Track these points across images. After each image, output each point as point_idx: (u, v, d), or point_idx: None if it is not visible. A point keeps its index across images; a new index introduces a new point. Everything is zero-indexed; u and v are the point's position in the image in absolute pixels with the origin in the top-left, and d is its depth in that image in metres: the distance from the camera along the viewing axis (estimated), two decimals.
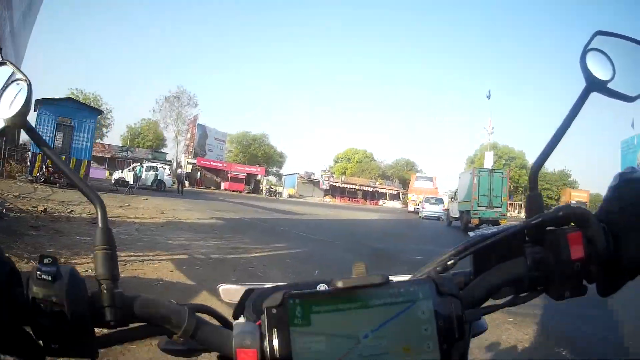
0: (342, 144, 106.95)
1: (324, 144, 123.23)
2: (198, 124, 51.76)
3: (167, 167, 31.45)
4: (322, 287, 0.61)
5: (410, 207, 35.80)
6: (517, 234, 0.57)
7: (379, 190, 62.01)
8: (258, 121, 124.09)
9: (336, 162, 74.43)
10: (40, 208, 9.97)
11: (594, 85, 0.60)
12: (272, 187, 50.34)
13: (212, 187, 49.07)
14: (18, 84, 0.54)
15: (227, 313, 0.64)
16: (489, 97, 46.48)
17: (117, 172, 25.49)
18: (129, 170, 29.07)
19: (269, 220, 15.98)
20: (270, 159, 64.74)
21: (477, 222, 18.05)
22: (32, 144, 19.40)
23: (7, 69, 0.56)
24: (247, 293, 0.63)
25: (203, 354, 0.58)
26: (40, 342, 0.49)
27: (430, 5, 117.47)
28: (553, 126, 0.60)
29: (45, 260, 0.48)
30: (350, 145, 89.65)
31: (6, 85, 0.55)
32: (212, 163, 51.13)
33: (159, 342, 0.57)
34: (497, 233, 0.58)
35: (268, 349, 0.49)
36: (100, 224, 0.54)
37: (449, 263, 0.58)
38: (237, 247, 8.03)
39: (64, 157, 19.81)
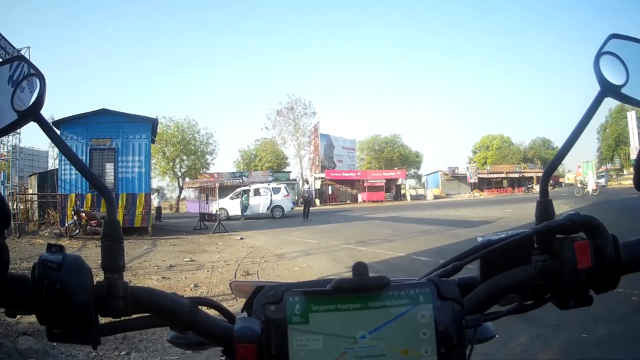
0: (476, 133, 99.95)
1: (457, 137, 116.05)
2: (320, 134, 47.28)
3: (281, 186, 25.20)
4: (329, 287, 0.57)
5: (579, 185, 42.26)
6: (525, 240, 0.57)
7: (525, 175, 57.17)
8: (385, 122, 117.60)
9: (475, 152, 70.39)
10: None
11: (607, 89, 0.59)
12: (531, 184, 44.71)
13: (347, 201, 44.98)
14: (32, 79, 0.56)
15: None
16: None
17: (213, 203, 19.37)
18: (231, 197, 23.75)
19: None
20: (406, 160, 60.03)
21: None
22: (61, 184, 14.29)
23: (22, 65, 0.59)
24: (257, 290, 0.60)
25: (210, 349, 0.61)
26: (44, 327, 0.51)
27: None
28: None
29: (53, 249, 0.50)
30: (485, 132, 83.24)
31: (21, 80, 0.57)
32: (343, 174, 46.57)
33: (166, 334, 0.62)
34: (504, 239, 0.58)
35: (266, 345, 0.52)
36: (108, 217, 0.55)
37: (453, 267, 0.59)
38: None
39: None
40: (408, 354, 0.51)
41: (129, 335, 3.73)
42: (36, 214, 16.45)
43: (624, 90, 0.59)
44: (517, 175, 57.46)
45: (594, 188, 26.45)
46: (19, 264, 7.87)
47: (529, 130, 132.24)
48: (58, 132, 13.90)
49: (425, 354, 0.51)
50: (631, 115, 47.19)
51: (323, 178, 44.17)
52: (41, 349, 3.30)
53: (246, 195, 22.72)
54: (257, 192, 23.43)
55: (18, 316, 0.49)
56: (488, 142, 68.61)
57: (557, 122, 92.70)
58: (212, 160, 45.33)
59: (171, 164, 41.16)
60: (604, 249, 0.53)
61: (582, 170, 36.85)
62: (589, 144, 60.93)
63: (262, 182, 29.94)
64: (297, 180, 45.25)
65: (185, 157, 42.26)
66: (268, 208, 22.77)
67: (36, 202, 17.07)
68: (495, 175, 56.82)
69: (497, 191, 53.90)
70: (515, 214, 16.44)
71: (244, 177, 40.18)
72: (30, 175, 21.00)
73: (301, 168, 50.30)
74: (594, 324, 3.56)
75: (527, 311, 0.58)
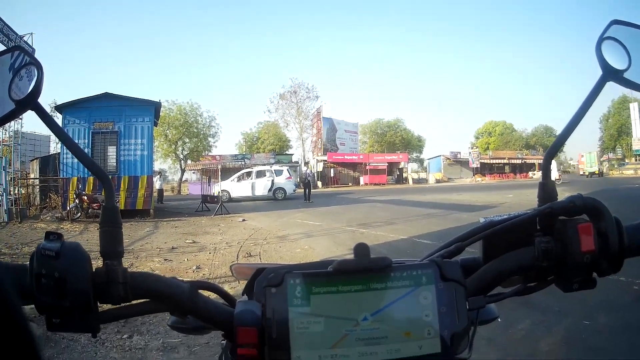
0: (479, 119, 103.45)
1: (460, 122, 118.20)
2: (323, 117, 47.08)
3: (284, 168, 25.16)
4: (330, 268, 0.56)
5: (581, 173, 47.08)
6: (528, 221, 0.57)
7: (527, 161, 57.86)
8: (388, 107, 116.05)
9: (477, 137, 70.09)
10: None
11: (610, 74, 0.59)
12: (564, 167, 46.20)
13: (349, 184, 44.90)
14: (30, 68, 0.57)
15: None
16: None
17: (215, 185, 19.50)
18: (233, 180, 23.72)
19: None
20: (409, 144, 60.05)
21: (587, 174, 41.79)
22: (63, 168, 14.26)
23: (20, 54, 0.60)
24: (258, 272, 0.60)
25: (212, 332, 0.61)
26: (43, 316, 0.50)
27: None
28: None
29: (51, 237, 0.49)
30: (488, 118, 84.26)
31: (18, 69, 0.57)
32: (346, 157, 46.54)
33: (167, 319, 0.62)
34: (507, 219, 0.58)
35: (267, 329, 0.51)
36: (106, 203, 0.56)
37: (456, 248, 0.58)
38: None
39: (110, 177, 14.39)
40: (410, 336, 0.51)
41: (130, 319, 3.67)
42: (38, 198, 16.44)
43: (626, 75, 0.59)
44: (519, 161, 57.50)
45: (557, 178, 27.34)
46: (20, 249, 7.90)
47: (532, 118, 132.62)
48: (60, 117, 13.91)
49: (427, 336, 0.51)
50: (634, 106, 47.19)
51: (325, 161, 44.06)
52: (42, 335, 3.31)
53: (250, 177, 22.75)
54: (259, 174, 23.38)
55: None
56: (491, 128, 68.32)
57: (560, 109, 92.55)
58: (214, 142, 45.28)
59: (173, 146, 41.11)
60: (607, 231, 0.53)
61: (585, 159, 42.08)
62: (592, 133, 60.81)
63: (265, 165, 29.86)
64: (300, 163, 45.13)
65: (187, 140, 42.10)
66: (270, 190, 22.74)
67: (38, 187, 17.04)
68: (497, 161, 56.70)
69: (499, 177, 53.70)
70: (517, 199, 16.44)
71: (246, 160, 39.99)
72: (31, 160, 20.82)
73: (303, 151, 50.00)
74: (596, 311, 3.54)
75: (531, 293, 0.57)
